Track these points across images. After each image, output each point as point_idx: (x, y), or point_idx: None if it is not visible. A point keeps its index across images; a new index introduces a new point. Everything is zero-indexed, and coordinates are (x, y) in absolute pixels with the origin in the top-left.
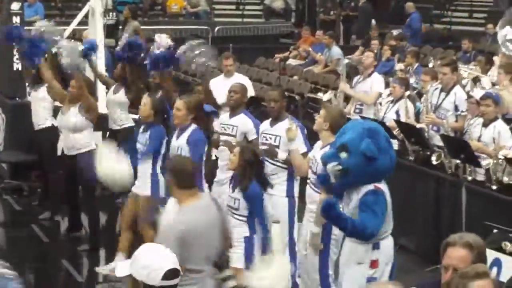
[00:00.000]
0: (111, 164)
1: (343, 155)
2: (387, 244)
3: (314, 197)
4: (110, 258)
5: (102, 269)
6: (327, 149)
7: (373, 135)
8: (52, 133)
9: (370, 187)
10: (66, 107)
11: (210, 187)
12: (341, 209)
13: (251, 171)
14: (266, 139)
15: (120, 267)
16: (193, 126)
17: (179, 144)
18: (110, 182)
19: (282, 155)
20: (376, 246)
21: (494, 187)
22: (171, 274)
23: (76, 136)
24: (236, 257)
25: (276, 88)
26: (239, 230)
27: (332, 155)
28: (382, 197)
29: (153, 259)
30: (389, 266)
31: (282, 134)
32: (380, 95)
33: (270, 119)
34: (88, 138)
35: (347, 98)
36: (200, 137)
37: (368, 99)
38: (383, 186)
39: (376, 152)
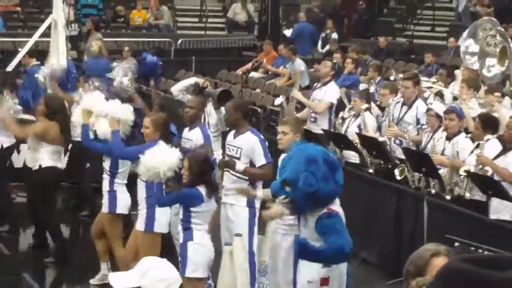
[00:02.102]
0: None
1: (287, 188)
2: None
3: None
4: (76, 272)
5: (93, 281)
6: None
7: (311, 165)
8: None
9: (323, 210)
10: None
11: None
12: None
13: (201, 179)
14: (230, 151)
15: (119, 279)
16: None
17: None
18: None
19: (239, 166)
20: (326, 265)
21: (448, 197)
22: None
23: (38, 151)
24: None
25: (236, 100)
26: (180, 235)
27: (279, 188)
28: (338, 218)
29: (169, 272)
30: (343, 284)
31: (243, 146)
32: (331, 104)
33: (234, 131)
34: (48, 154)
35: (302, 105)
36: None
37: (318, 108)
38: (336, 207)
39: (314, 184)
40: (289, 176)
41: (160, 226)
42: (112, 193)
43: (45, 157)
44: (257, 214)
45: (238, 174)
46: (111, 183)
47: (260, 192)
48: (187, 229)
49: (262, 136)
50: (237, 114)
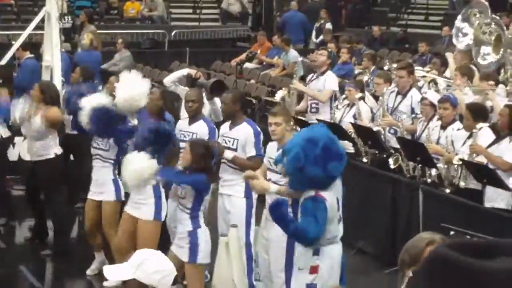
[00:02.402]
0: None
1: (285, 160)
2: (330, 250)
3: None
4: (73, 264)
5: (89, 271)
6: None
7: (308, 144)
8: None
9: (311, 193)
10: (31, 115)
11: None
12: (289, 211)
13: (203, 164)
14: (225, 142)
15: (114, 271)
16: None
17: None
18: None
19: (227, 154)
20: (316, 252)
21: (448, 191)
22: (174, 280)
23: (38, 143)
24: (182, 251)
25: (232, 91)
26: (184, 223)
27: (279, 158)
28: (322, 205)
29: (163, 264)
30: (334, 272)
31: (240, 137)
32: (333, 92)
33: (229, 122)
34: (50, 146)
35: (300, 97)
36: None
37: (322, 96)
38: (326, 195)
39: (301, 162)
40: (288, 148)
41: (164, 215)
42: (116, 181)
43: (54, 144)
44: (255, 205)
45: (235, 166)
46: (114, 171)
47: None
48: (196, 217)
49: (258, 128)
50: (236, 105)
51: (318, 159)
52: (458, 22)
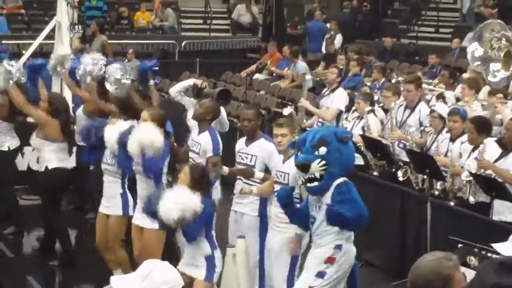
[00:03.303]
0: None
1: (322, 149)
2: (349, 248)
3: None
4: (80, 276)
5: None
6: (293, 158)
7: (338, 130)
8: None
9: (340, 180)
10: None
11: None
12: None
13: (201, 188)
14: (242, 159)
15: (121, 282)
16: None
17: None
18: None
19: (258, 174)
20: (338, 247)
21: (452, 203)
22: None
23: (42, 151)
24: (196, 269)
25: (251, 107)
26: (201, 245)
27: (309, 156)
28: (352, 186)
29: (171, 275)
30: (347, 269)
31: (258, 153)
32: (339, 111)
33: (245, 137)
34: (54, 154)
35: (308, 112)
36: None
37: (327, 115)
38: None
39: (349, 132)
40: (324, 135)
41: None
42: (124, 195)
43: (51, 157)
44: (270, 223)
45: (251, 182)
46: (123, 185)
47: (256, 190)
48: (210, 237)
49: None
50: (259, 121)
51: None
52: (469, 43)
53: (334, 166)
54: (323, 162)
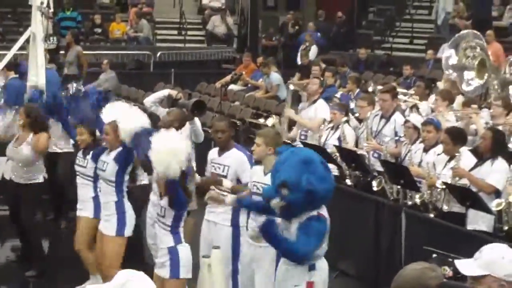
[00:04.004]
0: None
1: (285, 192)
2: (323, 265)
3: (260, 220)
4: (56, 284)
5: None
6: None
7: (310, 167)
8: None
9: (314, 213)
10: (18, 141)
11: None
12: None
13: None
14: (215, 169)
15: None
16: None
17: (107, 160)
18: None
19: (226, 183)
20: (312, 267)
21: (432, 215)
22: None
23: (25, 169)
24: (163, 269)
25: (223, 118)
26: (164, 240)
27: (273, 192)
28: (324, 225)
29: (146, 285)
30: (325, 286)
31: (230, 164)
32: (324, 121)
33: (218, 148)
34: (36, 172)
35: (291, 124)
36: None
37: (313, 125)
38: (325, 212)
39: (317, 184)
40: (290, 178)
41: (130, 230)
42: (96, 199)
43: (41, 169)
44: (242, 233)
45: (223, 192)
46: (94, 188)
47: (229, 199)
48: (177, 233)
49: (248, 152)
50: (231, 131)
51: (324, 175)
52: (445, 51)
53: (296, 207)
54: (283, 203)
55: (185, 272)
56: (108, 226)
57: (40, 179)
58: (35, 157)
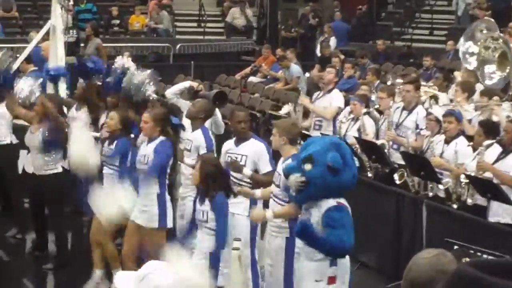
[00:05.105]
0: (82, 147)
1: (308, 166)
2: (344, 260)
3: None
4: (75, 277)
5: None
6: (289, 161)
7: (339, 149)
8: (12, 150)
9: (333, 203)
10: (34, 126)
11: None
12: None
13: (215, 183)
14: (231, 159)
15: (122, 278)
16: (162, 138)
17: (147, 152)
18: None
19: (246, 171)
20: (333, 263)
21: (455, 206)
22: None
23: (44, 157)
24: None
25: (242, 109)
26: (207, 244)
27: (294, 167)
28: (346, 212)
29: (165, 279)
30: (346, 281)
31: (248, 153)
32: (339, 110)
33: (234, 138)
34: (55, 160)
35: (305, 113)
36: (166, 149)
37: (327, 114)
38: (344, 202)
39: (341, 164)
40: (317, 151)
41: (171, 222)
42: None
43: (59, 158)
44: (259, 223)
45: (241, 182)
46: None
47: (259, 193)
48: (163, 183)
49: (266, 143)
50: (250, 122)
51: (350, 164)
52: (462, 42)
53: (314, 188)
54: (303, 178)
55: (222, 280)
56: (148, 218)
57: (58, 168)
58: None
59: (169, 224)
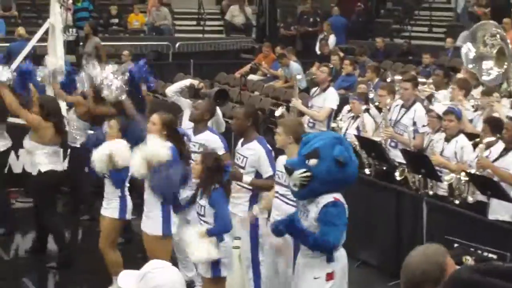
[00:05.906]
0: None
1: (313, 161)
2: (341, 255)
3: (283, 209)
4: (76, 277)
5: None
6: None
7: (342, 143)
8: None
9: (329, 198)
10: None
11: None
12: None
13: (214, 178)
14: (237, 159)
15: (125, 277)
16: (169, 144)
17: None
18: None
19: (246, 178)
20: (330, 259)
21: (457, 202)
22: None
23: (34, 154)
24: (203, 266)
25: (244, 107)
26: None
27: (298, 162)
28: (342, 209)
29: (166, 278)
30: (345, 276)
31: (248, 155)
32: (332, 111)
33: (243, 138)
34: (46, 157)
35: (301, 112)
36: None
37: (320, 116)
38: (341, 197)
39: (348, 158)
40: (323, 145)
41: (174, 227)
42: (123, 198)
43: (44, 160)
44: (261, 223)
45: (242, 184)
46: (122, 188)
47: (248, 179)
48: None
49: (269, 146)
50: (248, 121)
51: (352, 157)
52: (464, 43)
53: (320, 182)
54: (308, 173)
55: (225, 271)
56: (151, 226)
57: (35, 171)
58: (35, 146)
59: (174, 230)
